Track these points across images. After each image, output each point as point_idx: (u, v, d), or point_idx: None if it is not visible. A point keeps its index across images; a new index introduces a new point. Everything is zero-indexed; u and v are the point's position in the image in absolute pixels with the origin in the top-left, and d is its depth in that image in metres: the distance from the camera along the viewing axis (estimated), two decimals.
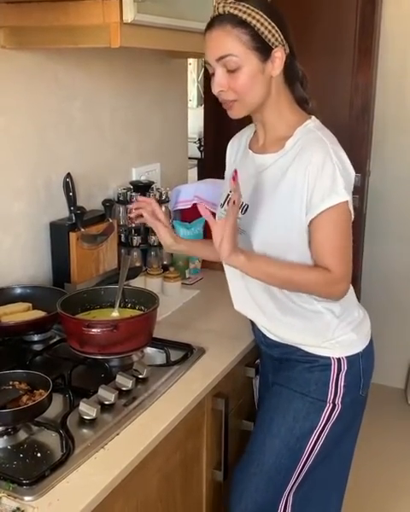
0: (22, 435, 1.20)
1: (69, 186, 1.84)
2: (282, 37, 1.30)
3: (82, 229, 1.81)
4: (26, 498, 1.04)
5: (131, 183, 2.12)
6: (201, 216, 1.30)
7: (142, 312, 1.56)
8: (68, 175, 1.83)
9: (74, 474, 1.11)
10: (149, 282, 1.97)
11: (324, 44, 2.88)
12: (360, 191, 2.97)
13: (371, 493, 2.45)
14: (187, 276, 2.14)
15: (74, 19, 1.49)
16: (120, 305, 1.60)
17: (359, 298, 1.61)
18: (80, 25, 1.49)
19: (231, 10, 1.26)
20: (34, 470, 1.10)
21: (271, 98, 1.35)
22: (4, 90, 1.66)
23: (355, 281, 3.05)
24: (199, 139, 3.47)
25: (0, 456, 1.15)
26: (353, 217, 1.35)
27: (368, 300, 2.76)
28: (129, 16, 1.42)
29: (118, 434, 1.23)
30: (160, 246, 2.08)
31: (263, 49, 1.28)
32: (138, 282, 1.90)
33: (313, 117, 1.40)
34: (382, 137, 3.02)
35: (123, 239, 2.06)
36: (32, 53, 1.71)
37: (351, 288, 1.48)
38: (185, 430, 1.40)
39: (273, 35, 1.28)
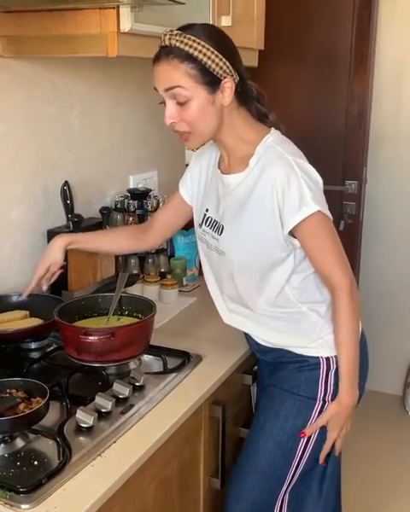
0: (19, 443, 1.20)
1: (67, 194, 1.84)
2: (230, 67, 1.29)
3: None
4: (23, 506, 1.04)
5: (129, 190, 2.13)
6: None
7: (139, 320, 1.56)
8: (66, 183, 1.84)
9: (71, 481, 1.11)
10: (146, 290, 1.98)
11: (320, 52, 2.90)
12: (356, 198, 2.99)
13: (368, 500, 2.45)
14: (184, 283, 2.14)
15: (72, 28, 1.50)
16: (117, 313, 1.60)
17: None
18: (78, 34, 1.50)
19: (178, 44, 1.26)
20: (31, 478, 1.09)
21: (225, 124, 1.35)
22: (2, 98, 1.67)
23: None
24: None
25: None
26: (332, 222, 1.37)
27: (365, 306, 2.74)
28: (126, 25, 1.44)
29: (115, 442, 1.23)
30: (157, 253, 2.09)
31: (211, 82, 1.28)
32: (136, 290, 1.90)
33: (272, 130, 1.41)
34: (378, 145, 3.03)
35: None
36: (29, 62, 1.72)
37: None
38: (182, 438, 1.40)
39: (221, 67, 1.28)
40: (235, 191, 1.40)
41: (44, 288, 1.62)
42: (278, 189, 1.31)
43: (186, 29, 1.28)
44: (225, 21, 1.81)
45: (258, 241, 1.37)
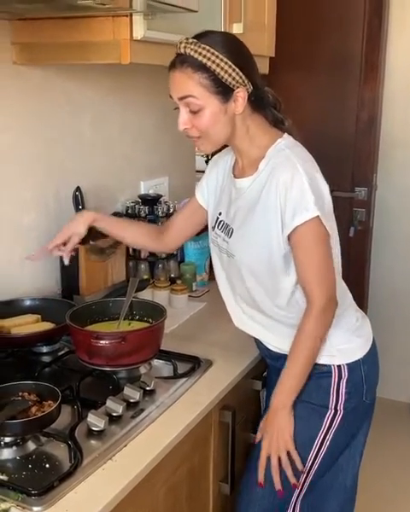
0: (31, 446, 1.21)
1: (78, 199, 1.85)
2: (243, 77, 1.30)
3: (91, 242, 1.82)
4: (35, 509, 1.05)
5: (140, 196, 2.14)
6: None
7: (150, 324, 1.57)
8: (78, 189, 1.85)
9: (82, 484, 1.11)
10: (156, 295, 1.99)
11: (330, 59, 2.92)
12: (366, 205, 2.99)
13: (378, 508, 2.44)
14: (194, 288, 2.15)
15: (85, 35, 1.52)
16: (127, 318, 1.61)
17: (366, 311, 1.62)
18: (91, 41, 1.52)
19: (192, 53, 1.27)
20: (43, 481, 1.10)
21: (238, 129, 1.37)
22: (15, 104, 1.69)
23: (362, 293, 3.06)
24: None
25: (9, 466, 1.16)
26: (330, 234, 1.37)
27: (375, 314, 2.75)
28: (139, 33, 1.45)
29: (126, 446, 1.24)
30: (167, 259, 2.10)
31: (224, 92, 1.30)
32: (146, 295, 1.91)
33: (285, 135, 1.41)
34: (388, 151, 3.04)
35: (131, 252, 2.08)
36: (42, 69, 1.74)
37: (349, 294, 1.52)
38: (192, 442, 1.40)
39: (234, 77, 1.29)
40: (245, 194, 1.41)
41: (66, 261, 1.60)
42: (280, 191, 1.31)
43: (202, 37, 1.29)
44: (236, 29, 1.82)
45: (264, 243, 1.37)
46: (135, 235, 1.69)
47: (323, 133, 2.91)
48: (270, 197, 1.34)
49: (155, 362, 1.58)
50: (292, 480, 1.43)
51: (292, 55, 2.82)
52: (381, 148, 3.04)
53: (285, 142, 1.39)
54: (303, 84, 2.94)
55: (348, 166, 2.95)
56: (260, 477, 1.44)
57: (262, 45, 2.10)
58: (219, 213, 1.50)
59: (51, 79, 1.79)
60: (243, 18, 1.86)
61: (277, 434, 1.42)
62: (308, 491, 1.51)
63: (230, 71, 1.28)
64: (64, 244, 1.59)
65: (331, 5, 2.85)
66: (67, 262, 1.61)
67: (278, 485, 1.42)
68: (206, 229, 1.63)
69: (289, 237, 1.34)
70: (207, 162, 3.56)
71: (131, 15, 1.44)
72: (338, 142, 2.94)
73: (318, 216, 1.31)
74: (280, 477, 1.43)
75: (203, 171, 1.68)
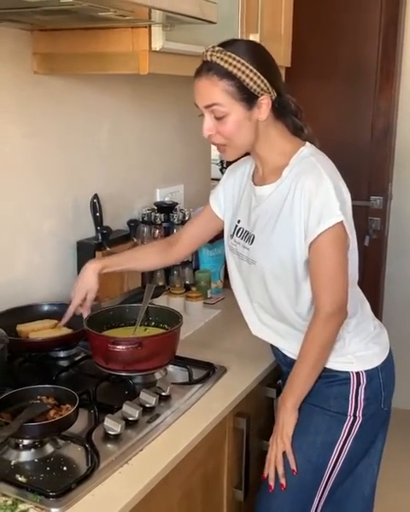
0: (49, 449, 1.23)
1: (96, 206, 1.88)
2: (268, 84, 1.32)
3: (107, 249, 1.85)
4: (53, 510, 1.06)
5: (156, 203, 2.16)
6: (223, 237, 1.33)
7: (166, 330, 1.58)
8: (95, 196, 1.88)
9: (99, 487, 1.13)
10: (171, 301, 2.00)
11: (346, 68, 2.93)
12: (381, 214, 2.99)
13: None
14: (209, 295, 2.16)
15: (104, 46, 1.55)
16: (143, 323, 1.63)
17: (380, 320, 1.62)
18: (110, 52, 1.55)
19: (218, 61, 1.30)
20: (60, 483, 1.12)
21: (261, 136, 1.39)
22: (36, 113, 1.72)
23: (376, 302, 3.05)
24: (221, 161, 3.51)
25: (27, 468, 1.18)
26: (349, 241, 1.39)
27: (389, 322, 2.74)
28: (158, 44, 1.48)
29: (142, 450, 1.25)
30: (183, 266, 2.11)
31: (249, 99, 1.32)
32: (161, 301, 1.92)
33: (308, 143, 1.43)
34: (404, 160, 3.04)
35: None
36: (62, 78, 1.77)
37: (366, 302, 1.53)
38: (207, 448, 1.41)
39: (259, 85, 1.31)
40: (267, 201, 1.43)
41: (85, 315, 1.59)
42: (305, 198, 1.33)
43: (228, 45, 1.32)
44: (253, 39, 1.84)
45: (287, 249, 1.38)
46: (144, 260, 1.71)
47: (338, 142, 2.91)
48: (294, 204, 1.35)
49: (171, 368, 1.60)
50: (281, 479, 1.44)
51: (308, 64, 2.84)
52: (396, 157, 3.04)
53: (308, 150, 1.41)
54: (319, 93, 2.95)
55: (363, 175, 2.95)
56: (265, 473, 1.46)
57: (278, 55, 2.09)
58: (238, 221, 1.51)
59: (71, 88, 1.82)
60: (259, 28, 1.88)
61: (280, 432, 1.45)
62: (327, 501, 1.50)
63: (255, 78, 1.30)
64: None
65: (347, 14, 2.87)
66: (85, 316, 1.60)
67: (271, 481, 1.45)
68: (220, 236, 1.64)
69: (310, 243, 1.35)
70: (221, 170, 3.60)
71: (149, 27, 1.47)
72: (354, 151, 2.94)
73: (342, 221, 1.33)
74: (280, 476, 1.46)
75: (218, 180, 1.70)
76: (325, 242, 1.34)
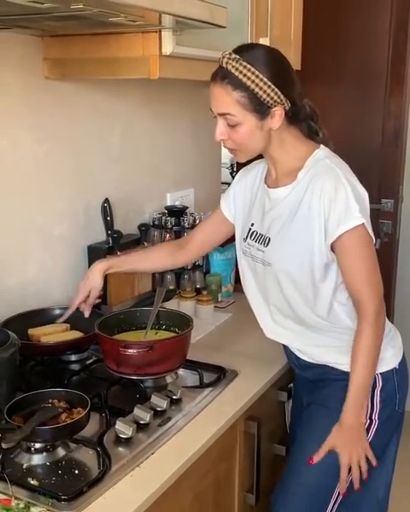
0: (61, 452, 1.23)
1: (107, 211, 1.89)
2: (281, 96, 1.32)
3: (118, 253, 1.85)
4: None
5: (166, 207, 2.17)
6: (234, 241, 1.32)
7: (177, 334, 1.59)
8: (106, 200, 1.89)
9: (111, 490, 1.13)
10: (182, 305, 2.00)
11: (356, 71, 2.92)
12: (392, 217, 2.98)
13: None
14: (219, 299, 2.16)
15: (115, 51, 1.55)
16: (154, 327, 1.63)
17: (392, 322, 1.62)
18: (121, 57, 1.55)
19: (233, 70, 1.30)
20: (72, 486, 1.12)
21: (273, 141, 1.39)
22: (47, 118, 1.73)
23: (388, 305, 3.03)
24: (231, 165, 3.52)
25: (39, 471, 1.18)
26: (374, 240, 1.39)
27: (401, 325, 2.70)
28: (168, 49, 1.48)
29: (153, 453, 1.25)
30: (193, 269, 2.12)
31: (261, 110, 1.32)
32: (172, 305, 1.92)
33: (322, 146, 1.43)
34: None
35: None
36: (73, 83, 1.79)
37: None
38: (218, 452, 1.41)
39: (272, 97, 1.31)
40: (283, 203, 1.42)
41: (87, 314, 1.63)
42: (324, 200, 1.33)
43: (245, 52, 1.32)
44: (263, 43, 1.85)
45: (304, 251, 1.38)
46: (152, 261, 1.72)
47: (349, 145, 2.90)
48: (312, 206, 1.35)
49: (182, 371, 1.60)
50: (364, 475, 1.44)
51: (318, 68, 2.83)
52: (407, 160, 3.03)
53: (323, 153, 1.41)
54: (329, 97, 2.95)
55: (374, 178, 2.94)
56: (343, 488, 1.44)
57: (288, 59, 2.11)
58: (252, 224, 1.51)
59: (82, 93, 1.83)
60: (269, 33, 1.88)
61: (357, 448, 1.42)
62: (341, 503, 1.49)
63: (268, 91, 1.30)
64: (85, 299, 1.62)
65: (357, 18, 2.86)
66: (87, 315, 1.63)
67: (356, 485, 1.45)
68: (231, 240, 1.64)
69: (332, 246, 1.35)
70: (231, 174, 3.60)
71: (160, 31, 1.47)
72: (364, 155, 2.93)
73: (363, 223, 1.33)
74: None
75: (228, 184, 1.70)
76: (350, 243, 1.34)
